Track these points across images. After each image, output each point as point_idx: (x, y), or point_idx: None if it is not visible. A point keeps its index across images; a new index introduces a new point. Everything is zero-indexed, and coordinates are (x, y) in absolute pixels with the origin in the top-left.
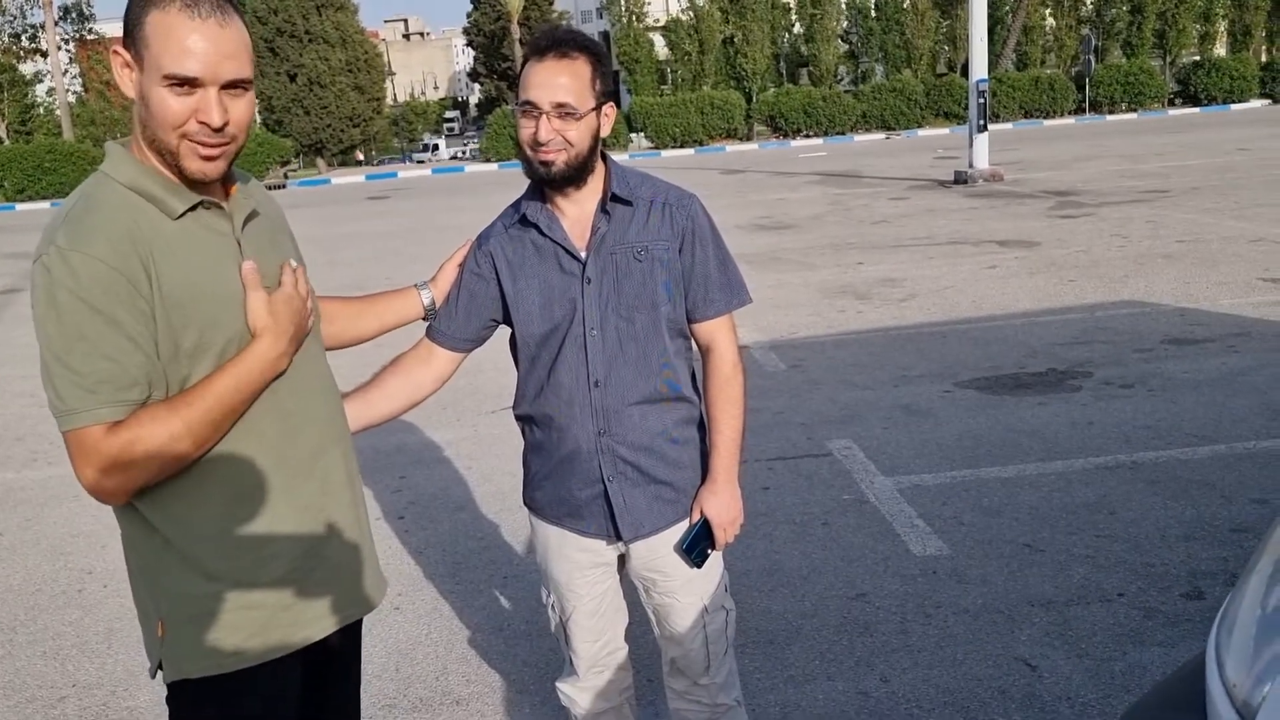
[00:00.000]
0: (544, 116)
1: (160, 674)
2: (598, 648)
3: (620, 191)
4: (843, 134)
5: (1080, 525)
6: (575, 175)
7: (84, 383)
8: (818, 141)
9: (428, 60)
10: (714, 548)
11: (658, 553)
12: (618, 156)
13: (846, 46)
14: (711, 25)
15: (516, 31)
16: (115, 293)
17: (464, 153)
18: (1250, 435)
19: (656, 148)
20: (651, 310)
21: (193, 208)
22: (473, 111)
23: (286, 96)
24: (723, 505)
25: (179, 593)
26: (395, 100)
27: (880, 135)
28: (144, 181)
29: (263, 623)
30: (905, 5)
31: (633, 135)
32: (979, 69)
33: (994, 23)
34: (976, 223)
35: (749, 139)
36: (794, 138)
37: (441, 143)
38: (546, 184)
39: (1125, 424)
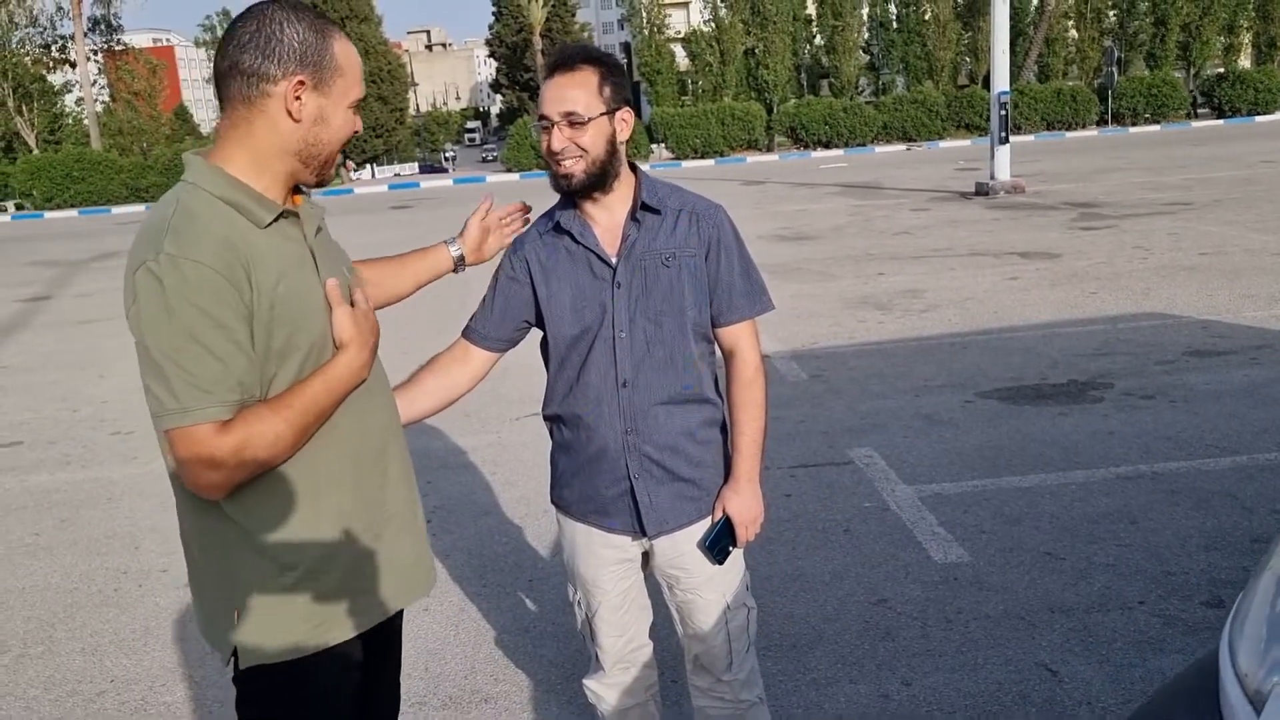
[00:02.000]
0: (555, 128)
1: (234, 661)
2: (622, 643)
3: (650, 201)
4: (864, 145)
5: (1101, 534)
6: (596, 182)
7: (197, 383)
8: (839, 153)
9: (450, 71)
10: (735, 545)
11: (680, 549)
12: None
13: (868, 58)
14: (733, 36)
15: (539, 43)
16: (222, 298)
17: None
18: (1272, 447)
19: (677, 158)
20: (678, 315)
21: (277, 218)
22: (494, 122)
23: None
24: (744, 504)
25: (254, 583)
26: (418, 110)
27: (901, 147)
28: (234, 193)
29: (332, 609)
30: (926, 17)
31: (653, 146)
32: (1000, 81)
33: (1016, 34)
34: (998, 234)
35: (770, 150)
36: (815, 149)
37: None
38: (570, 195)
39: (1146, 434)
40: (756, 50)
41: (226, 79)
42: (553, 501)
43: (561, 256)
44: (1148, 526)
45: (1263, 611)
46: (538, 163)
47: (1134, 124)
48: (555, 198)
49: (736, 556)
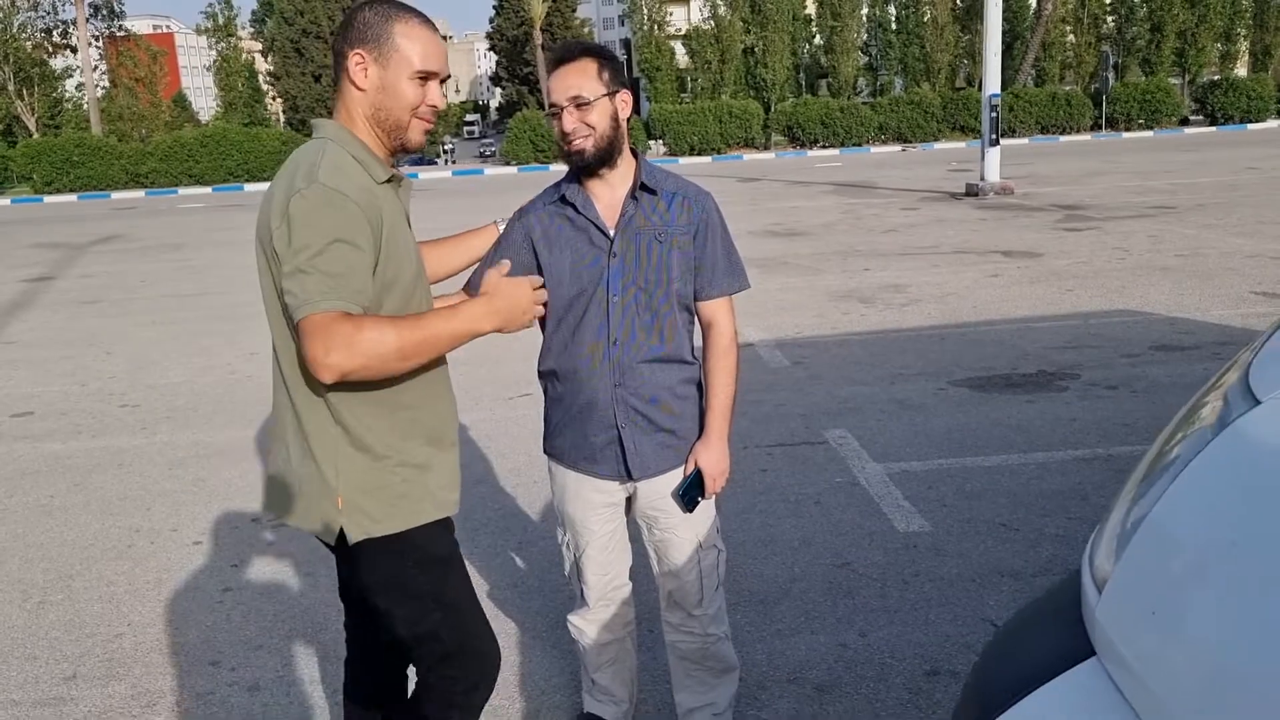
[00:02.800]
0: (564, 111)
1: (341, 538)
2: (605, 581)
3: (649, 182)
4: (859, 145)
5: (1053, 509)
6: (605, 156)
7: (328, 281)
8: (834, 152)
9: (450, 63)
10: (704, 496)
11: (660, 493)
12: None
13: (866, 59)
14: (733, 35)
15: (539, 37)
16: (358, 225)
17: (490, 151)
18: None
19: (674, 154)
20: (665, 285)
21: (388, 179)
22: (493, 115)
23: (311, 96)
24: (714, 458)
25: (356, 471)
26: None
27: (896, 147)
28: (360, 152)
29: (418, 495)
30: (925, 19)
31: (651, 142)
32: (991, 84)
33: (1015, 38)
34: (983, 233)
35: (766, 148)
36: (811, 148)
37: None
38: (584, 170)
39: (1105, 421)
40: (756, 49)
41: (334, 59)
42: (545, 451)
43: (564, 226)
44: (1098, 502)
45: (1117, 517)
46: (536, 156)
47: (1128, 129)
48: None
49: (708, 504)
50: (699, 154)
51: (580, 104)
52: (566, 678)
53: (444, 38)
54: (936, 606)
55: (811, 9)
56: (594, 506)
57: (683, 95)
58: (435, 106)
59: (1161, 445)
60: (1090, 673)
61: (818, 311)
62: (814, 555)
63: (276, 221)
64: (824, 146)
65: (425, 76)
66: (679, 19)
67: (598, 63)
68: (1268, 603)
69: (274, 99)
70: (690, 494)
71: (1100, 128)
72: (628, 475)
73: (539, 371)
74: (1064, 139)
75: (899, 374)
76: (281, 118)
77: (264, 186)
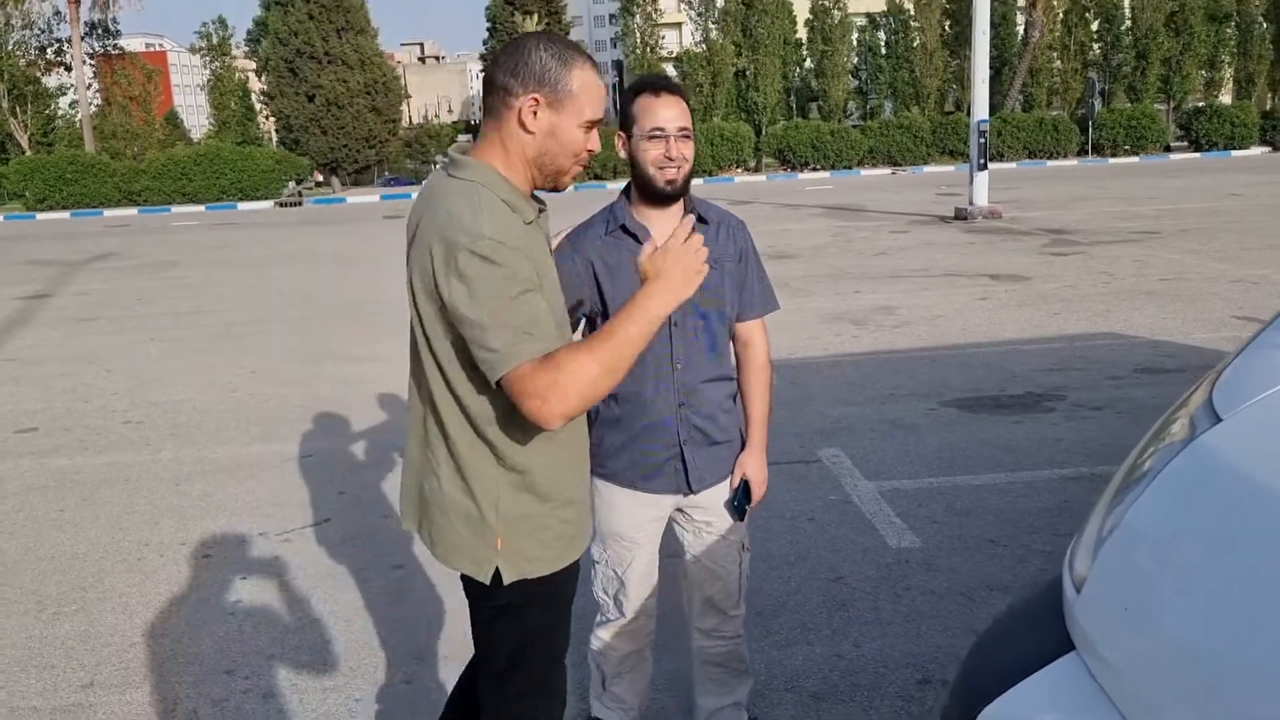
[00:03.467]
0: (671, 139)
1: (496, 577)
2: (646, 592)
3: (701, 211)
4: (850, 168)
5: (1040, 526)
6: (686, 188)
7: (518, 334)
8: (825, 175)
9: (442, 84)
10: (750, 504)
11: (714, 500)
12: (620, 183)
13: (856, 83)
14: (724, 58)
15: None
16: (527, 272)
17: None
18: None
19: None
20: (719, 309)
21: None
22: None
23: (304, 116)
24: (759, 467)
25: (518, 512)
26: (410, 123)
27: (886, 170)
28: (510, 194)
29: (572, 535)
30: (915, 44)
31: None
32: (980, 110)
33: (1002, 64)
34: (972, 257)
35: (758, 171)
36: (801, 170)
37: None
38: (667, 198)
39: (1091, 441)
40: (747, 72)
41: (487, 90)
42: (595, 474)
43: (624, 256)
44: (1082, 518)
45: (1094, 524)
46: None
47: (1114, 155)
48: (585, 205)
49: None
50: (691, 176)
51: (686, 135)
52: (570, 685)
53: (435, 58)
54: (927, 619)
55: (803, 33)
56: (644, 522)
57: None
58: (593, 152)
59: (1134, 459)
60: (1070, 666)
61: (811, 333)
62: (809, 570)
63: (448, 277)
64: (814, 169)
65: (593, 125)
66: (671, 42)
67: (688, 102)
68: (1230, 597)
69: (267, 118)
70: (741, 503)
71: (1087, 153)
72: (688, 488)
73: None
74: (1051, 164)
75: (890, 395)
76: (274, 137)
77: (257, 206)
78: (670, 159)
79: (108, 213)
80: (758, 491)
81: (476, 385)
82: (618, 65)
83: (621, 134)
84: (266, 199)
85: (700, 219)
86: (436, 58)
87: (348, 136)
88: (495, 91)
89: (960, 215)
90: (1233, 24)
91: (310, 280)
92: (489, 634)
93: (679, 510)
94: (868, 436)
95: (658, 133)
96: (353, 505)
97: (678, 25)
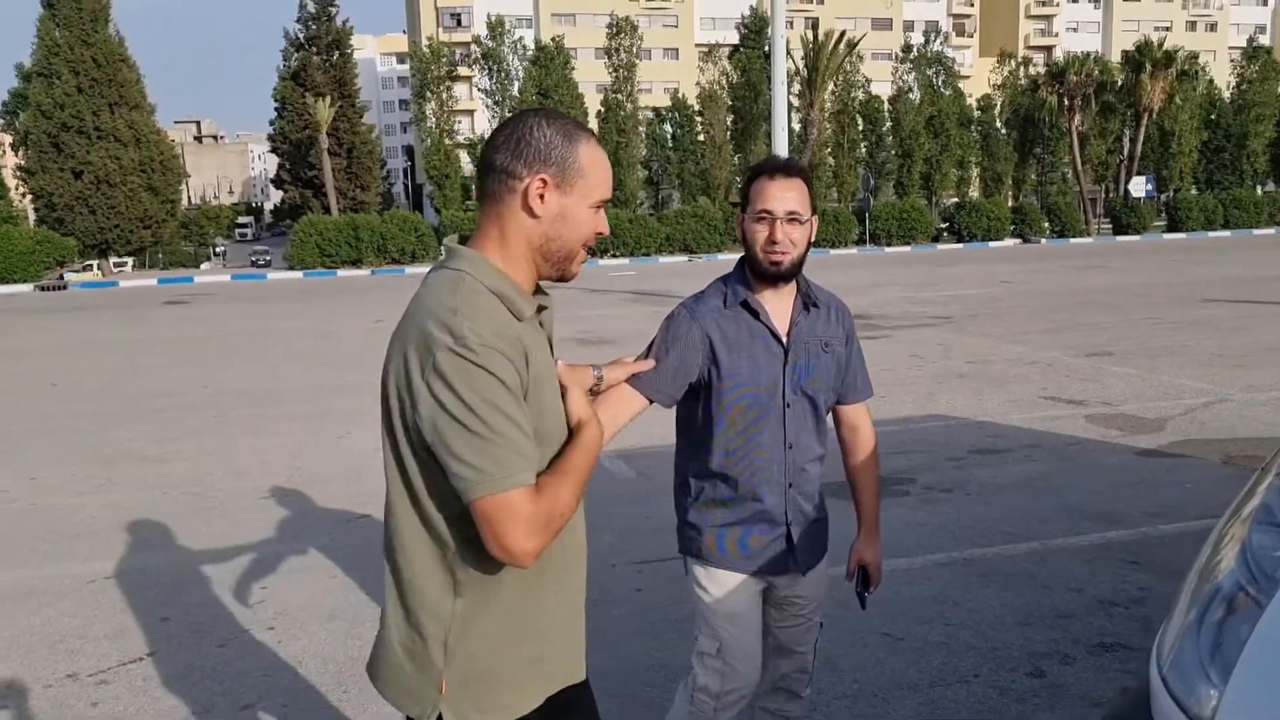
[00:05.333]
0: (778, 222)
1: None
2: (752, 668)
3: (814, 294)
4: (648, 255)
5: (930, 616)
6: (794, 271)
7: (501, 453)
8: (625, 261)
9: (221, 164)
10: (870, 590)
11: (810, 579)
12: (420, 269)
13: (646, 173)
14: None
15: (325, 141)
16: (514, 381)
17: (264, 260)
18: (1058, 533)
19: None
20: (827, 390)
21: (535, 312)
22: (267, 217)
23: (70, 194)
24: (875, 553)
25: (470, 654)
26: (189, 203)
27: (684, 258)
28: (503, 286)
29: (531, 680)
30: (700, 138)
31: (443, 248)
32: None
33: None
34: None
35: None
36: (601, 256)
37: (226, 248)
38: (774, 280)
39: (951, 524)
40: None
41: (484, 174)
42: (692, 553)
43: (743, 331)
44: (968, 607)
45: (1196, 646)
46: (322, 261)
47: (889, 244)
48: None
49: None
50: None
51: (795, 220)
52: None
53: (214, 137)
54: None
55: (594, 125)
56: (754, 598)
57: (468, 202)
58: (602, 233)
59: (1214, 545)
60: None
61: (646, 421)
62: None
63: (421, 375)
64: (615, 255)
65: (601, 205)
66: (466, 128)
67: (809, 184)
68: None
69: (23, 195)
70: (861, 590)
71: (865, 242)
72: (797, 568)
73: (698, 471)
74: (833, 253)
75: None
76: (32, 215)
77: (17, 289)
78: (774, 242)
79: None
80: (876, 575)
81: (440, 504)
82: (409, 150)
83: (739, 212)
84: (25, 282)
85: (813, 303)
86: (215, 137)
87: (120, 216)
88: (494, 175)
89: None
90: (976, 129)
91: (89, 372)
92: None
93: (769, 587)
94: None
95: (765, 215)
96: (182, 633)
97: (470, 112)
